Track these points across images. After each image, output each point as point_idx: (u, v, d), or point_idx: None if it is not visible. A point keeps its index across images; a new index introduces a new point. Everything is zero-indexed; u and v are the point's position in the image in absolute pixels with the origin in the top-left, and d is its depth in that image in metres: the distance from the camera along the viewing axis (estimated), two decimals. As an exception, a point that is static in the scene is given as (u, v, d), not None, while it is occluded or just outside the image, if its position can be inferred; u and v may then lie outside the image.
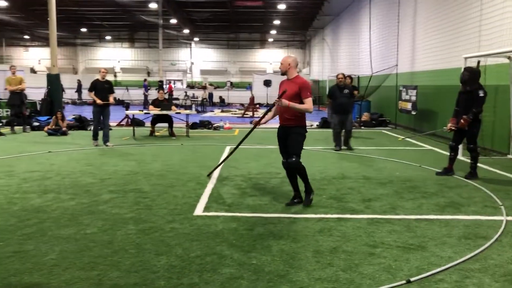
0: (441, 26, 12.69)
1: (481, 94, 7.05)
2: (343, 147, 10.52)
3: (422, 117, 13.95)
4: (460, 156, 9.05)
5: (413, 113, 14.04)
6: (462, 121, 7.16)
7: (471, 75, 7.20)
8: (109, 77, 44.67)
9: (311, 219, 5.07)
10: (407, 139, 12.28)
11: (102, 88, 10.64)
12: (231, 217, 5.11)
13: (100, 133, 10.89)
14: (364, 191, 6.41)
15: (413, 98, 13.91)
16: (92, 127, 11.02)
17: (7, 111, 15.65)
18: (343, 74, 10.84)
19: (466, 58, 9.30)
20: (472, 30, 10.86)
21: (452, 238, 4.49)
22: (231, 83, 42.78)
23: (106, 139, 10.78)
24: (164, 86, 35.34)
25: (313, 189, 5.70)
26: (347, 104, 10.41)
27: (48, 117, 14.95)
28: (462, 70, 7.52)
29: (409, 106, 14.29)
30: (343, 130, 10.55)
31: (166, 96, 20.26)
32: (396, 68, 16.22)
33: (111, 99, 10.81)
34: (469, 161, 7.55)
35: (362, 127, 16.04)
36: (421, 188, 6.61)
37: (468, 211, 5.48)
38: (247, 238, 4.41)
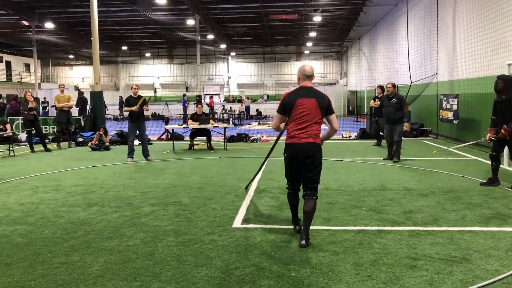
0: (482, 32, 12.36)
1: None
2: (393, 159, 10.30)
3: (464, 126, 13.55)
4: (506, 166, 8.74)
5: (455, 122, 13.67)
6: (502, 131, 6.93)
7: (506, 83, 6.95)
8: (150, 93, 45.50)
9: (350, 231, 5.02)
10: (451, 149, 11.94)
11: (136, 103, 10.78)
12: (269, 229, 5.12)
13: (139, 148, 11.15)
14: (405, 203, 6.28)
15: (455, 107, 13.56)
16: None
17: (53, 128, 16.33)
18: (392, 84, 10.67)
19: (509, 64, 9.00)
20: (515, 35, 10.52)
21: (499, 250, 4.33)
22: (268, 96, 43.03)
23: (146, 153, 11.03)
24: (204, 101, 35.99)
25: (303, 231, 4.60)
26: (393, 114, 10.23)
27: (91, 132, 15.49)
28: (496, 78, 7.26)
29: (450, 115, 13.93)
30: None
31: (207, 111, 20.61)
32: (436, 77, 15.86)
33: (145, 107, 10.96)
34: (515, 170, 7.28)
35: (402, 138, 15.71)
36: (465, 199, 6.41)
37: (516, 222, 5.27)
38: (285, 251, 4.41)
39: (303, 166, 4.64)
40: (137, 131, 10.94)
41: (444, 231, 4.98)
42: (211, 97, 39.16)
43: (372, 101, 13.86)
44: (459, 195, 6.66)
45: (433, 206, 6.08)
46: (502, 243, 4.53)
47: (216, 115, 30.67)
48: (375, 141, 14.09)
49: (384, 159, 10.47)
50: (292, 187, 4.86)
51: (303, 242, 4.51)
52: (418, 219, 5.44)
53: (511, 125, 6.84)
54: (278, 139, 6.33)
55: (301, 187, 4.81)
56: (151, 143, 15.00)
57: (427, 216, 5.58)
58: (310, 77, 4.80)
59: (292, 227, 5.12)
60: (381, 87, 13.53)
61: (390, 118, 10.29)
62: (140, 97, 11.00)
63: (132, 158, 10.86)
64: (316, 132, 4.64)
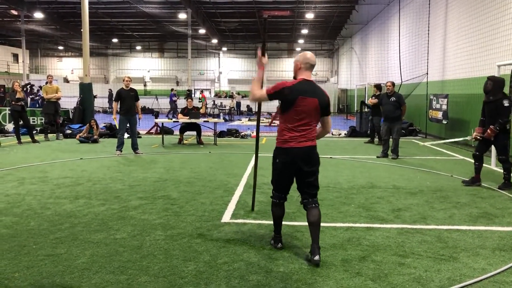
0: (473, 34, 12.45)
1: (506, 103, 6.86)
2: (391, 155, 10.49)
3: (453, 127, 13.66)
4: (493, 166, 8.83)
5: (444, 122, 13.76)
6: (488, 131, 7.00)
7: (495, 84, 7.01)
8: (140, 86, 45.12)
9: (339, 228, 5.02)
10: (435, 147, 12.03)
11: (128, 96, 10.71)
12: (259, 224, 5.11)
13: (129, 141, 11.08)
14: (393, 201, 6.31)
15: (444, 107, 13.65)
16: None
17: (41, 119, 16.14)
18: (392, 82, 10.85)
19: (499, 66, 9.07)
20: (505, 37, 10.61)
21: (485, 249, 4.36)
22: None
23: (135, 147, 10.94)
24: (194, 95, 35.82)
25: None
26: (391, 112, 10.43)
27: (80, 125, 15.34)
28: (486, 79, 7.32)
29: (440, 115, 14.02)
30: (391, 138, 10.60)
31: (199, 105, 20.54)
32: (427, 77, 15.96)
33: (139, 114, 11.11)
34: (501, 171, 7.34)
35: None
36: (453, 198, 6.46)
37: (503, 222, 5.31)
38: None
39: (302, 172, 4.08)
40: (128, 124, 10.87)
41: (432, 229, 5.00)
42: (201, 91, 38.95)
43: (370, 99, 13.89)
44: (447, 194, 6.70)
45: (421, 204, 6.11)
46: (489, 242, 4.56)
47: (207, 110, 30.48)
48: (368, 138, 14.15)
49: (377, 157, 10.54)
50: (280, 196, 4.30)
51: (317, 257, 3.89)
52: (406, 217, 5.46)
53: (497, 126, 6.90)
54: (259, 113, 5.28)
55: (288, 197, 4.37)
56: (140, 137, 14.89)
57: (415, 214, 5.61)
58: (313, 67, 4.13)
59: (290, 223, 5.08)
60: (377, 86, 13.64)
61: (389, 116, 10.48)
62: (132, 89, 10.90)
63: (121, 151, 10.77)
64: (315, 134, 4.11)
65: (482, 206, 6.02)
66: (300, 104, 3.94)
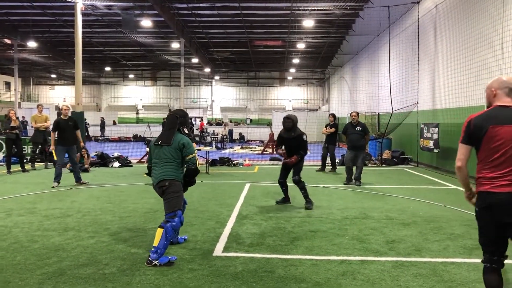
0: (462, 64, 12.65)
1: (305, 138, 7.96)
2: (353, 182, 10.90)
3: (445, 155, 13.72)
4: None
5: (436, 151, 13.83)
6: (293, 159, 7.85)
7: (295, 123, 7.96)
8: (132, 114, 44.96)
9: (333, 261, 4.93)
10: (427, 176, 12.02)
11: (66, 126, 10.28)
12: (251, 258, 5.01)
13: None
14: (387, 232, 6.24)
15: (435, 136, 13.75)
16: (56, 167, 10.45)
17: (31, 148, 15.99)
18: (357, 113, 11.71)
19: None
20: (493, 68, 10.79)
21: (482, 283, 4.27)
22: (251, 120, 43.26)
23: (77, 175, 10.51)
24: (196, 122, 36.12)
25: None
26: (357, 141, 10.97)
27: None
28: (284, 117, 8.12)
29: (431, 144, 14.10)
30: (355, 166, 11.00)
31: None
32: (417, 106, 16.13)
33: (81, 142, 11.13)
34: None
35: (384, 165, 15.85)
36: (447, 229, 6.41)
37: (498, 254, 5.25)
38: (267, 281, 4.30)
39: (504, 227, 3.17)
40: (66, 154, 10.46)
41: (427, 262, 4.94)
42: (201, 119, 39.16)
43: (324, 128, 14.32)
44: (441, 225, 6.66)
45: (415, 236, 6.06)
46: (485, 276, 4.49)
47: (196, 138, 30.35)
48: (320, 166, 14.19)
49: (344, 184, 10.94)
50: (489, 259, 3.30)
51: None
52: (401, 249, 5.40)
53: (299, 156, 7.89)
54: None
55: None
56: (131, 166, 14.78)
57: (409, 246, 5.54)
58: None
59: (283, 256, 5.00)
60: (333, 115, 14.64)
61: (355, 145, 11.01)
62: (71, 119, 10.54)
63: (59, 182, 10.26)
64: None
65: (476, 238, 5.94)
66: (495, 135, 3.13)
